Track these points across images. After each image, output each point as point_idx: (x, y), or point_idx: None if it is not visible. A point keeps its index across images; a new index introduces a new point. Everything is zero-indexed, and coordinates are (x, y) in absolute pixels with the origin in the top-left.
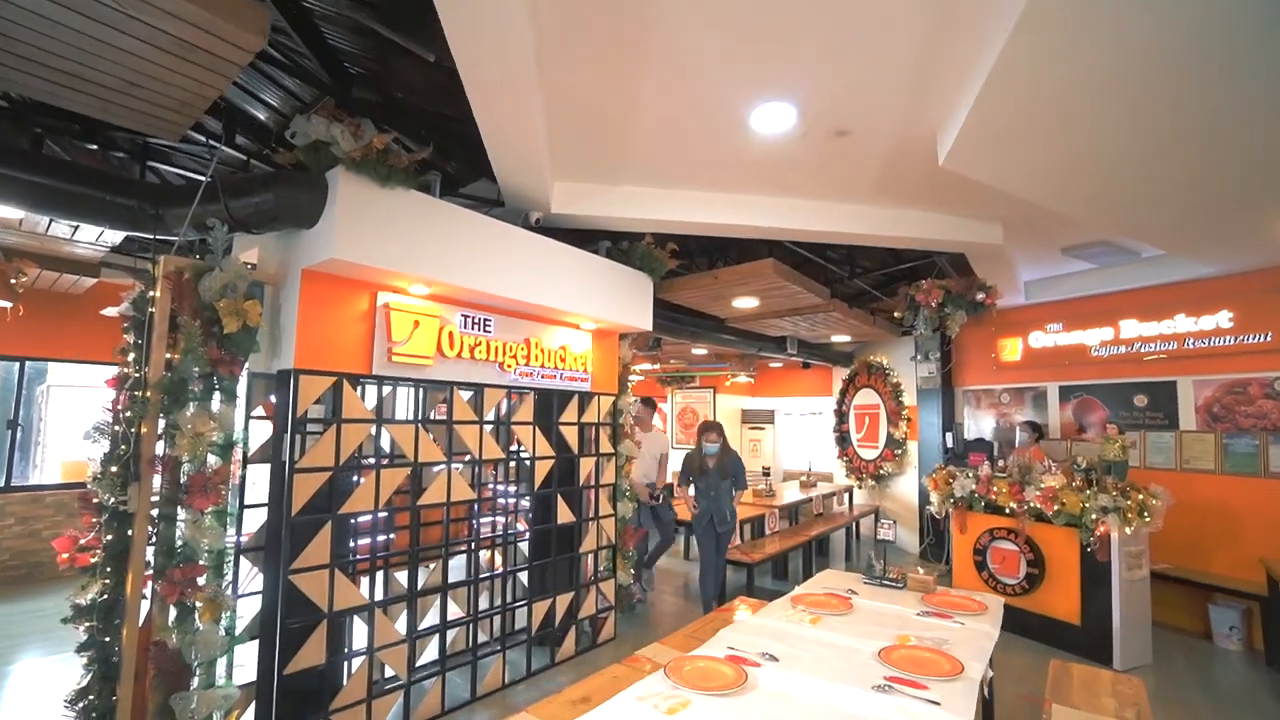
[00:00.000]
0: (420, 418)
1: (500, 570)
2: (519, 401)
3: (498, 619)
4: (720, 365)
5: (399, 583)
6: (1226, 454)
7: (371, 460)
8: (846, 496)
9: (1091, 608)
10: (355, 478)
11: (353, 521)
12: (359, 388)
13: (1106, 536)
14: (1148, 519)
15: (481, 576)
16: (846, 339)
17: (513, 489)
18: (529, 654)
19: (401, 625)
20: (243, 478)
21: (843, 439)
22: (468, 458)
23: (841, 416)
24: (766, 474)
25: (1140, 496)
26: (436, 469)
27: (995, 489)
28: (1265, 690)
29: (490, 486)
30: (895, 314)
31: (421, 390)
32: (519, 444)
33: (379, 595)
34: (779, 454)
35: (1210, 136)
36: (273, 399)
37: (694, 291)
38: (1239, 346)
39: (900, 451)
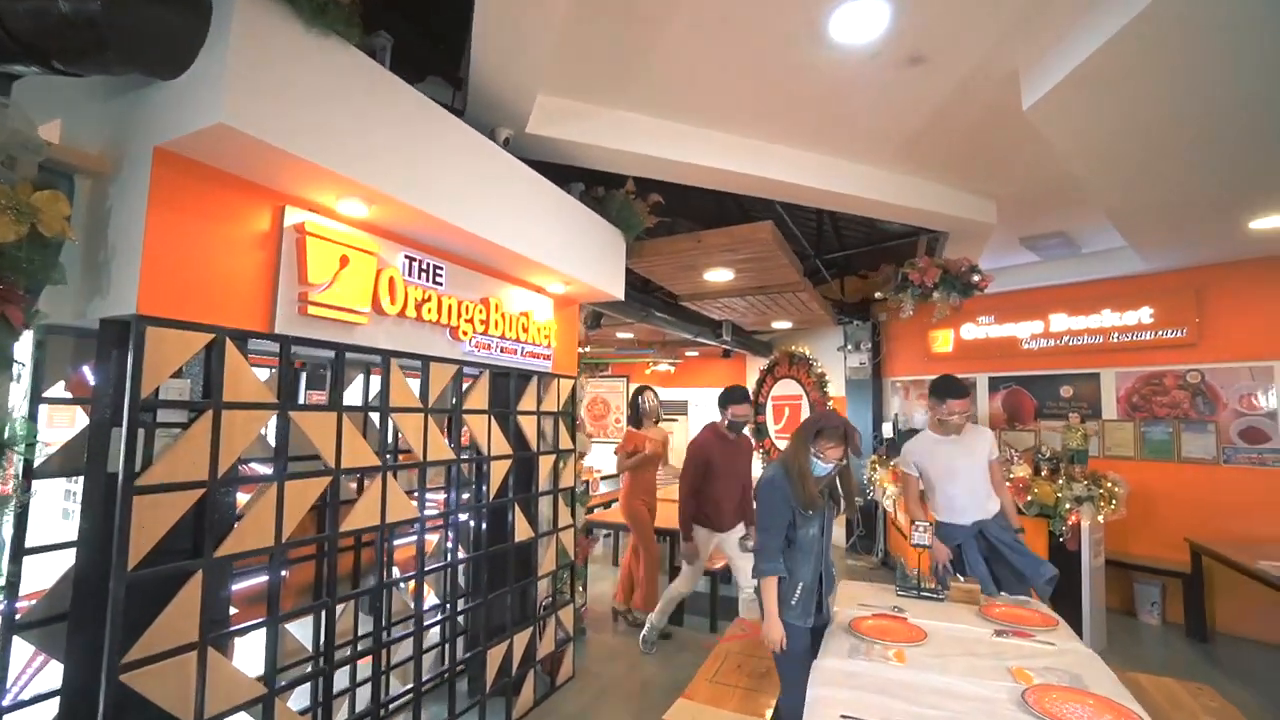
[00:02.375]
0: (344, 403)
1: (446, 610)
2: (471, 383)
3: (448, 670)
4: (643, 351)
5: (301, 643)
6: (1144, 441)
7: (269, 470)
8: None
9: (1063, 596)
10: (231, 498)
11: (236, 569)
12: (252, 352)
13: (1077, 525)
14: (1114, 506)
15: (428, 623)
16: (787, 325)
17: (461, 498)
18: (483, 715)
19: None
20: (23, 502)
21: (759, 430)
22: (410, 460)
23: (758, 408)
24: None
25: (1108, 485)
26: (367, 478)
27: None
28: (1204, 660)
29: (440, 497)
30: (878, 294)
31: (345, 362)
32: (472, 440)
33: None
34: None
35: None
36: (88, 370)
37: (667, 258)
38: (1157, 341)
39: None
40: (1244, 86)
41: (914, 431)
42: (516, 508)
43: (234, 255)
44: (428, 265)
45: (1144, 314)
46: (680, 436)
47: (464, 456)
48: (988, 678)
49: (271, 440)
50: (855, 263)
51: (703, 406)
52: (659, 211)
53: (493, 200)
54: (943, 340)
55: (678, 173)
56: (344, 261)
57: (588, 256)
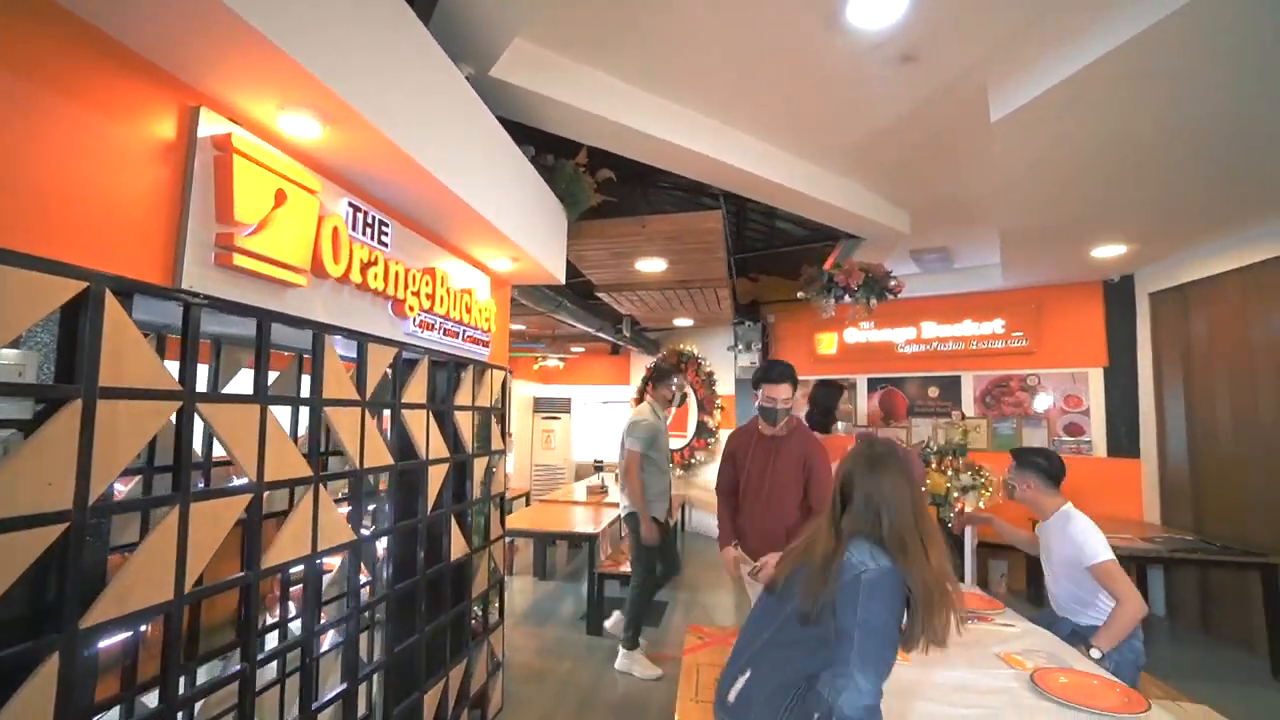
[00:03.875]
0: (277, 393)
1: (382, 653)
2: (410, 371)
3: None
4: (533, 345)
5: None
6: (995, 435)
7: (165, 489)
8: None
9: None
10: (105, 532)
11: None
12: (140, 311)
13: (962, 511)
14: (990, 493)
15: (362, 673)
16: (689, 323)
17: (386, 511)
18: None
19: None
20: None
21: None
22: (345, 468)
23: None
24: (599, 468)
25: (986, 475)
26: (297, 493)
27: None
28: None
29: (374, 513)
30: (800, 293)
31: (270, 337)
32: (413, 440)
33: None
34: (573, 445)
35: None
36: None
37: (605, 241)
38: (1007, 349)
39: (713, 440)
40: (1160, 130)
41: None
42: (454, 520)
43: (119, 168)
44: (373, 220)
45: (997, 325)
46: (561, 436)
47: (408, 463)
48: (988, 667)
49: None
50: (750, 265)
51: (589, 405)
52: (603, 191)
53: (456, 143)
54: (827, 343)
55: (643, 148)
56: (280, 199)
57: (538, 230)
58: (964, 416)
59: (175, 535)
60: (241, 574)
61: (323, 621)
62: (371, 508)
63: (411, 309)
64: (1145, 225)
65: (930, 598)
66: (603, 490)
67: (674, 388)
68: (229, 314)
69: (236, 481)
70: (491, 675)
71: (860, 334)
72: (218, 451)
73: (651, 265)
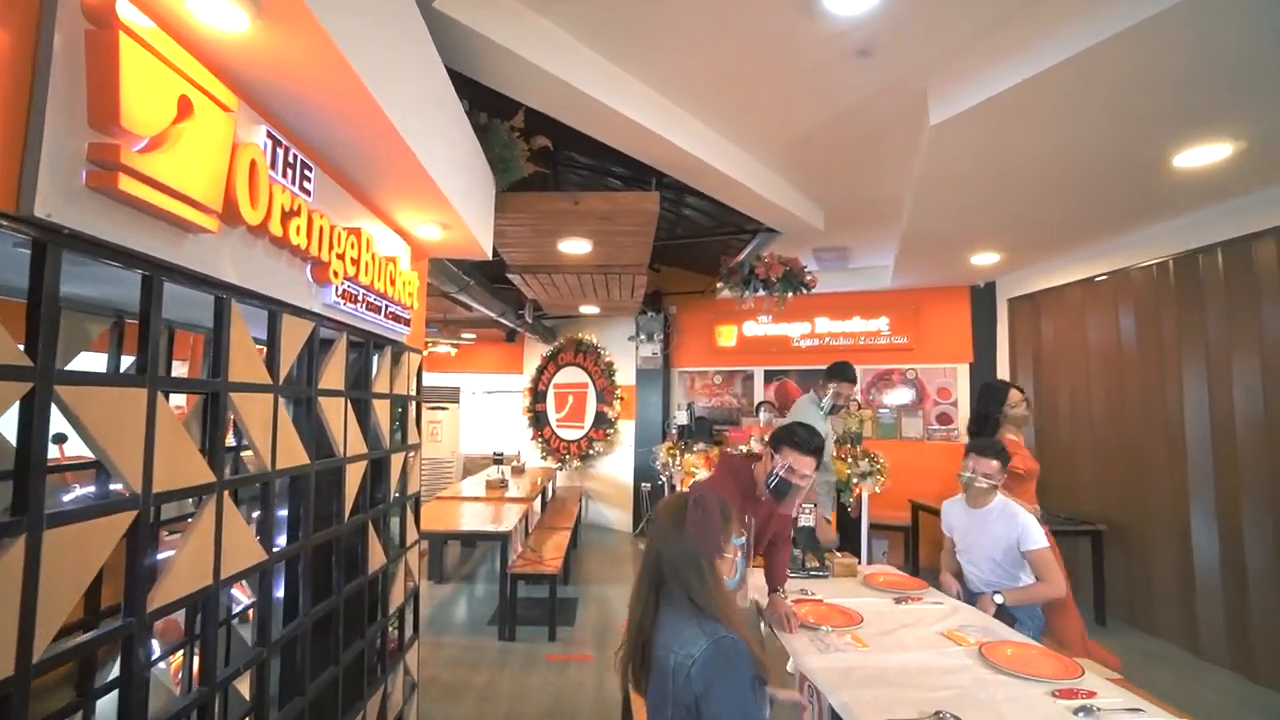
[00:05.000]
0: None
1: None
2: (326, 352)
3: None
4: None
5: None
6: (879, 424)
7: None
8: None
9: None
10: None
11: None
12: None
13: (859, 496)
14: (884, 479)
15: None
16: (595, 310)
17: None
18: None
19: None
20: None
21: (538, 419)
22: (256, 469)
23: (538, 395)
24: (499, 461)
25: (882, 461)
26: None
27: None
28: None
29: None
30: (719, 284)
31: (158, 297)
32: (330, 434)
33: None
34: (461, 437)
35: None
36: None
37: (532, 217)
38: (890, 345)
39: (612, 431)
40: (1055, 152)
41: (703, 421)
42: (372, 527)
43: None
44: (295, 160)
45: (883, 323)
46: (449, 428)
47: (325, 463)
48: (938, 646)
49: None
50: (654, 255)
51: (478, 395)
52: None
53: (404, 72)
54: (727, 335)
55: (585, 113)
56: (185, 109)
57: (472, 195)
58: (860, 406)
59: (20, 579)
60: (120, 622)
61: (226, 670)
62: (257, 514)
63: (336, 274)
64: (1017, 237)
65: None
66: (503, 485)
67: (834, 393)
68: (104, 261)
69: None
70: (408, 699)
71: (759, 328)
72: (77, 449)
73: (576, 246)
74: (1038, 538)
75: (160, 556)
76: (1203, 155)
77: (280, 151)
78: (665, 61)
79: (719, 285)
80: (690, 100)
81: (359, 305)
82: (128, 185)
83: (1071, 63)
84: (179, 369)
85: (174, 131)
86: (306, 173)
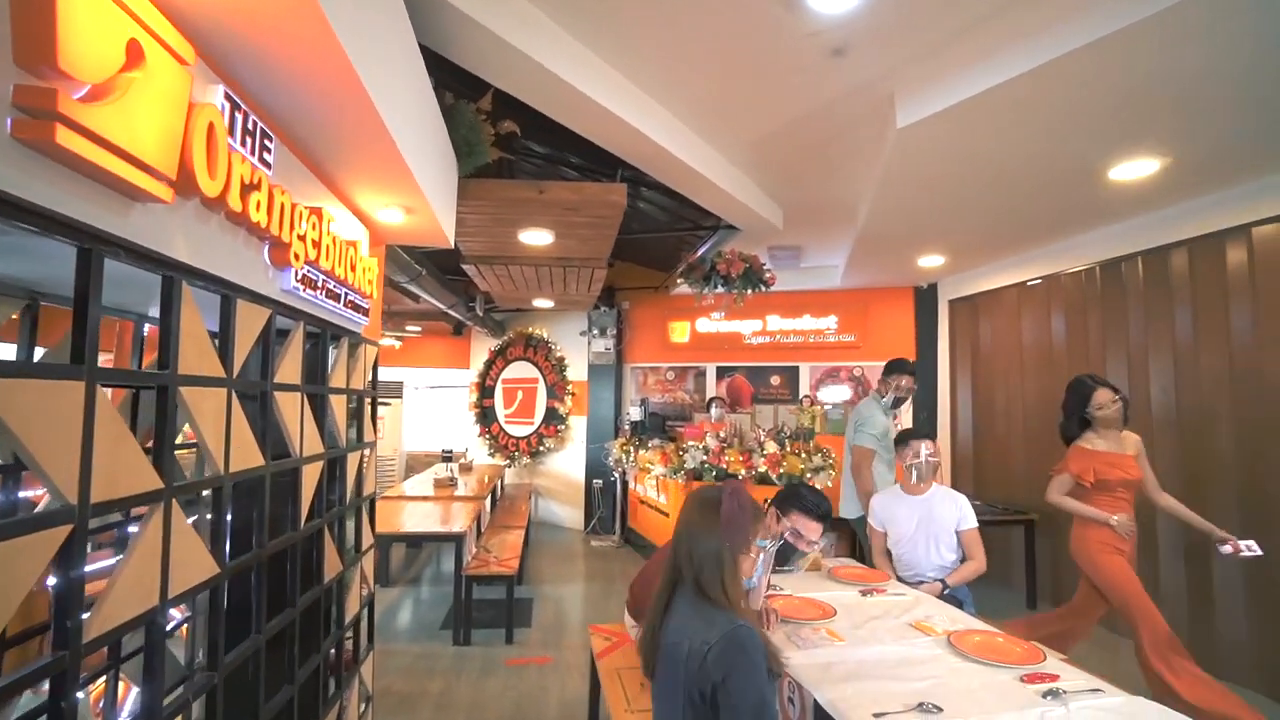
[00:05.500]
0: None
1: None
2: (282, 342)
3: None
4: None
5: None
6: (827, 420)
7: None
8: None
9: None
10: None
11: None
12: None
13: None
14: (835, 473)
15: None
16: (549, 304)
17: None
18: None
19: None
20: None
21: (485, 415)
22: (207, 472)
23: (486, 390)
24: (448, 458)
25: (834, 457)
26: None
27: (727, 459)
28: None
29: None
30: (680, 279)
31: (98, 274)
32: (285, 432)
33: None
34: (404, 434)
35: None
36: None
37: (491, 204)
38: (838, 343)
39: (563, 427)
40: (1010, 158)
41: (656, 417)
42: (328, 532)
43: None
44: (255, 127)
45: (831, 321)
46: (391, 424)
47: (281, 466)
48: (909, 638)
49: None
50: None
51: (421, 390)
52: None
53: (378, 35)
54: (680, 331)
55: (557, 99)
56: (135, 56)
57: (437, 178)
58: (813, 402)
59: None
60: (50, 656)
61: (173, 701)
62: (193, 520)
63: (296, 257)
64: (962, 241)
65: None
66: (452, 483)
67: (895, 386)
68: (31, 229)
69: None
70: (363, 713)
71: (711, 324)
72: None
73: (537, 237)
74: (974, 518)
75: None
76: (1134, 169)
77: (239, 117)
78: (643, 50)
79: (680, 280)
80: (664, 92)
81: (318, 292)
82: (66, 139)
83: (1032, 74)
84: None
85: (121, 81)
86: (267, 143)
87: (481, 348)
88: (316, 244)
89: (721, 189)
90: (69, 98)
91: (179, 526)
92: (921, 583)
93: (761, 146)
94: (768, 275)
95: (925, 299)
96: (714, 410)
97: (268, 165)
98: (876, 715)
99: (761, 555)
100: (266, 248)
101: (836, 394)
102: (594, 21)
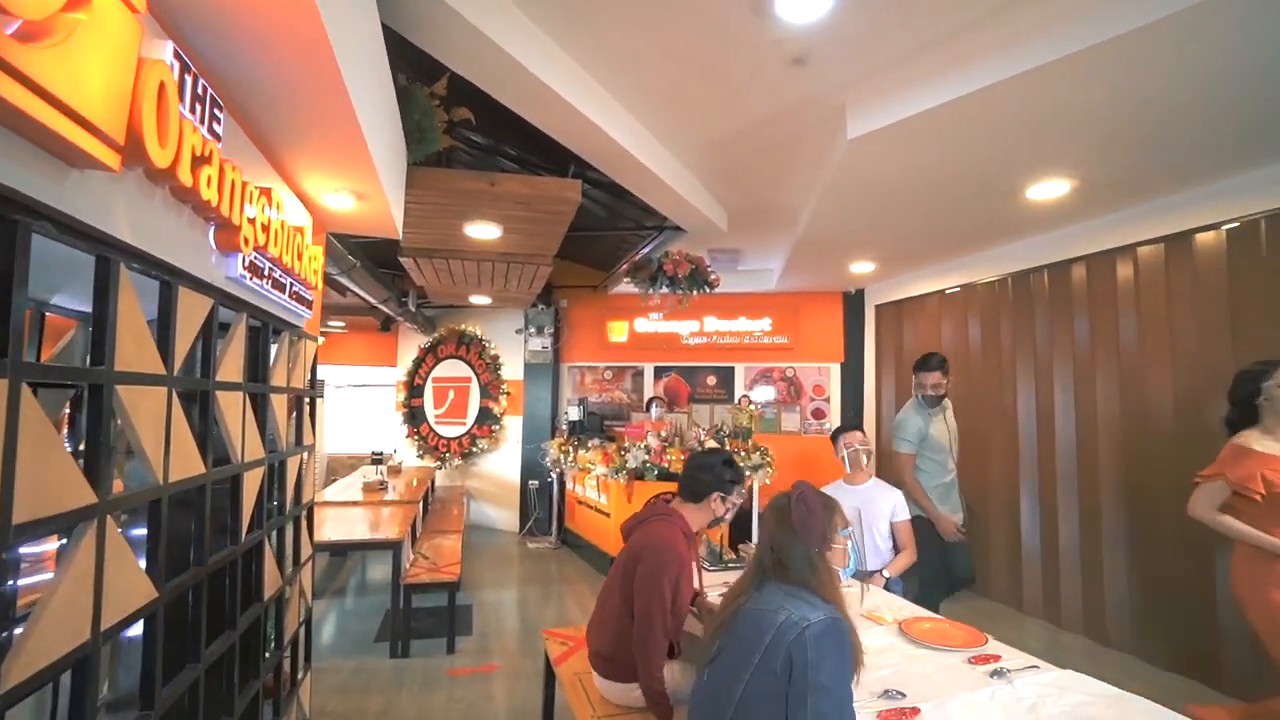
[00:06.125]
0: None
1: None
2: (224, 336)
3: None
4: None
5: None
6: (761, 419)
7: None
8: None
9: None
10: None
11: None
12: None
13: (750, 487)
14: (772, 470)
15: None
16: (486, 301)
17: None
18: None
19: None
20: None
21: (414, 415)
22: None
23: (415, 389)
24: (378, 460)
25: (771, 455)
26: (58, 545)
27: (669, 458)
28: None
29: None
30: (626, 279)
31: (24, 250)
32: (226, 435)
33: None
34: (325, 436)
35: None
36: None
37: (440, 194)
38: (772, 345)
39: (497, 427)
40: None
41: (594, 416)
42: (268, 544)
43: None
44: (205, 94)
45: (765, 323)
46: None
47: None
48: (862, 628)
49: None
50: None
51: (344, 389)
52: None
53: (341, 4)
54: (618, 330)
55: (518, 88)
56: None
57: (390, 163)
58: (750, 402)
59: None
60: None
61: None
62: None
63: (246, 241)
64: (891, 249)
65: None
66: (382, 487)
67: (917, 385)
68: None
69: None
70: None
71: (650, 324)
72: None
73: (484, 231)
74: (907, 511)
75: None
76: (1049, 189)
77: (189, 80)
78: (608, 46)
79: (626, 279)
80: (626, 90)
81: (265, 281)
82: None
83: (970, 97)
84: None
85: (64, 21)
86: (217, 113)
87: (410, 345)
88: (266, 228)
89: (673, 190)
90: (4, 28)
91: (114, 546)
92: (873, 574)
93: (714, 149)
94: (713, 277)
95: (853, 303)
96: (654, 410)
97: (218, 138)
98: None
99: (848, 543)
100: (212, 230)
101: (764, 394)
102: (563, 14)
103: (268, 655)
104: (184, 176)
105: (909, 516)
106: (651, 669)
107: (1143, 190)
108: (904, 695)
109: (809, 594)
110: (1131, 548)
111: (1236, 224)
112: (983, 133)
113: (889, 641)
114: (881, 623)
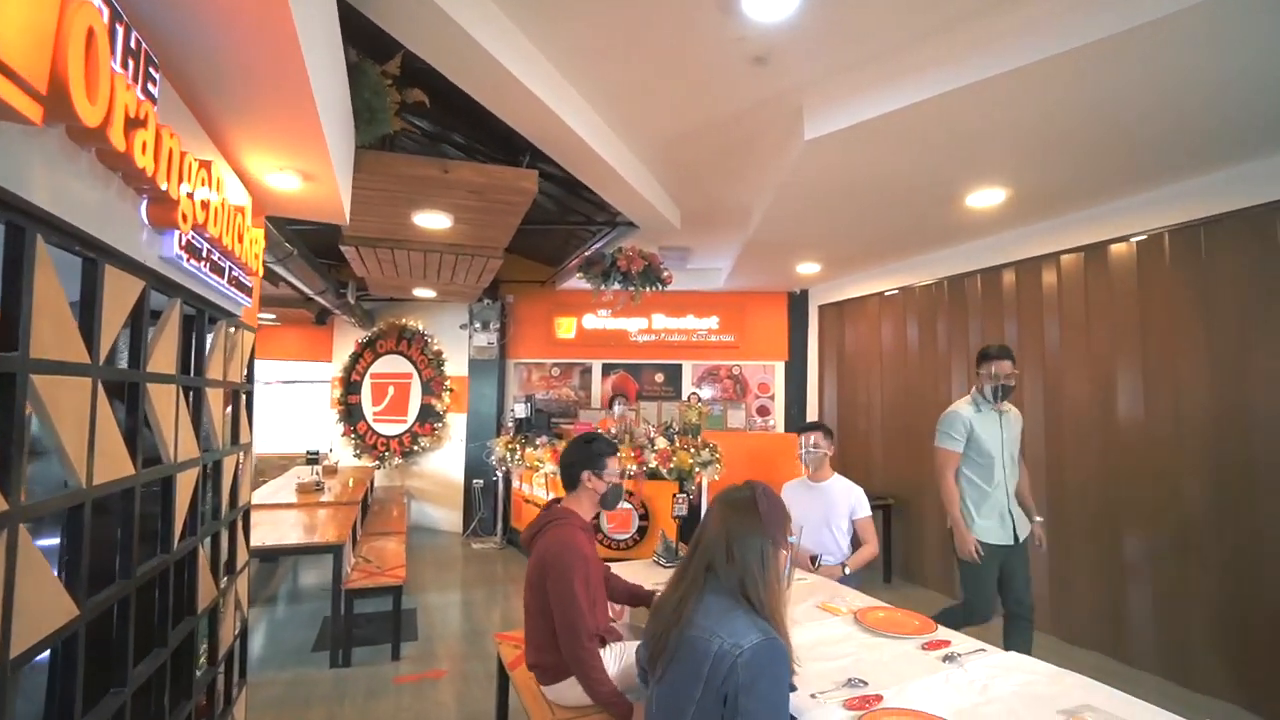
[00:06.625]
0: None
1: None
2: (156, 323)
3: None
4: None
5: None
6: (708, 416)
7: None
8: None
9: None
10: None
11: None
12: None
13: (700, 483)
14: (720, 467)
15: None
16: (431, 295)
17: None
18: None
19: None
20: None
21: (350, 412)
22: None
23: (351, 386)
24: (314, 459)
25: (720, 452)
26: None
27: (620, 455)
28: None
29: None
30: (578, 274)
31: None
32: (159, 433)
33: None
34: (253, 434)
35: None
36: None
37: (388, 180)
38: (719, 343)
39: (440, 425)
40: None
41: (541, 414)
42: (203, 551)
43: None
44: (140, 49)
45: (713, 321)
46: None
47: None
48: (819, 619)
49: None
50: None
51: (274, 385)
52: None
53: None
54: (566, 327)
55: (476, 71)
56: None
57: (341, 143)
58: (699, 399)
59: None
60: None
61: None
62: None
63: (185, 218)
64: (837, 251)
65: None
66: (318, 488)
67: (1002, 372)
68: None
69: None
70: None
71: (598, 321)
72: None
73: (433, 221)
74: (867, 508)
75: None
76: (987, 198)
77: (121, 31)
78: (572, 33)
79: (579, 274)
80: (586, 81)
81: (203, 264)
82: None
83: (930, 103)
84: None
85: None
86: (152, 71)
87: (347, 339)
88: (205, 205)
89: (629, 184)
90: None
91: (27, 560)
92: (832, 567)
93: (671, 145)
94: (665, 274)
95: (798, 304)
96: (617, 407)
97: (153, 100)
98: (813, 695)
99: (788, 558)
100: (145, 203)
101: (707, 392)
102: (534, 7)
103: (200, 673)
104: (116, 140)
105: (869, 514)
106: (593, 675)
107: (1067, 202)
108: (866, 684)
109: (745, 608)
110: (1049, 534)
111: (1144, 237)
112: (934, 139)
113: (846, 631)
114: (837, 614)
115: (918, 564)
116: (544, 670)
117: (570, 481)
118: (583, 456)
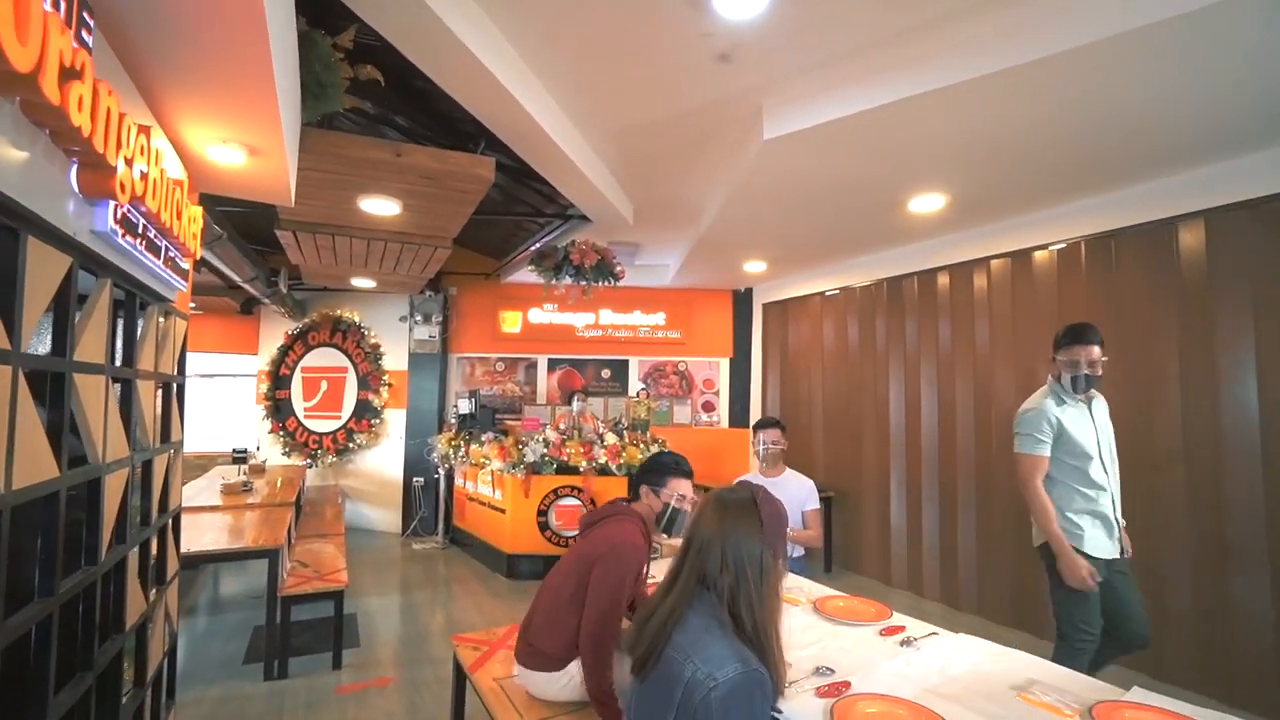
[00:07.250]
0: None
1: None
2: (83, 307)
3: None
4: None
5: None
6: (655, 411)
7: None
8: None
9: None
10: None
11: None
12: None
13: None
14: None
15: None
16: (370, 285)
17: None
18: None
19: None
20: None
21: (279, 408)
22: None
23: (280, 380)
24: (241, 458)
25: (669, 448)
26: None
27: (568, 451)
28: None
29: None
30: (529, 267)
31: None
32: (86, 430)
33: None
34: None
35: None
36: None
37: (336, 161)
38: (665, 339)
39: (377, 421)
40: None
41: (485, 410)
42: (132, 562)
43: None
44: None
45: (659, 318)
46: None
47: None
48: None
49: None
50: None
51: (195, 379)
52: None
53: None
54: (511, 321)
55: (444, 55)
56: None
57: (289, 116)
58: (648, 395)
59: None
60: None
61: None
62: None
63: (122, 188)
64: (784, 250)
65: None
66: (246, 489)
67: (1086, 359)
68: None
69: None
70: None
71: (544, 315)
72: None
73: (381, 206)
74: (817, 500)
75: None
76: (928, 203)
77: None
78: (536, 16)
79: (530, 267)
80: (547, 68)
81: (138, 241)
82: None
83: (885, 109)
84: None
85: None
86: (86, 17)
87: (276, 330)
88: (145, 175)
89: (587, 178)
90: None
91: None
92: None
93: (628, 138)
94: (618, 269)
95: (742, 301)
96: (576, 403)
97: (88, 50)
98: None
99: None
100: (75, 168)
101: (667, 386)
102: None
103: (127, 697)
104: (50, 90)
105: (818, 506)
106: (603, 669)
107: (999, 210)
108: (833, 671)
109: (725, 629)
110: (978, 522)
111: (1064, 245)
112: (885, 144)
113: (808, 621)
114: (797, 604)
115: (855, 552)
116: (540, 656)
117: (633, 491)
118: (646, 468)
